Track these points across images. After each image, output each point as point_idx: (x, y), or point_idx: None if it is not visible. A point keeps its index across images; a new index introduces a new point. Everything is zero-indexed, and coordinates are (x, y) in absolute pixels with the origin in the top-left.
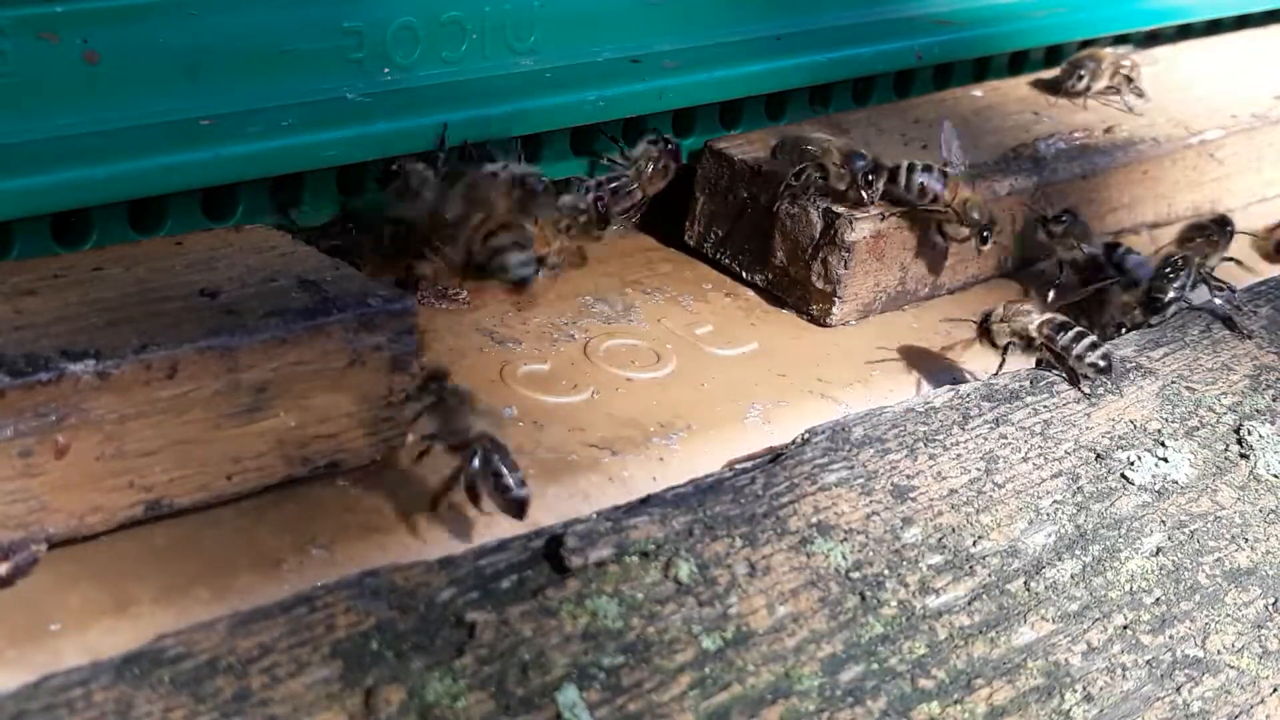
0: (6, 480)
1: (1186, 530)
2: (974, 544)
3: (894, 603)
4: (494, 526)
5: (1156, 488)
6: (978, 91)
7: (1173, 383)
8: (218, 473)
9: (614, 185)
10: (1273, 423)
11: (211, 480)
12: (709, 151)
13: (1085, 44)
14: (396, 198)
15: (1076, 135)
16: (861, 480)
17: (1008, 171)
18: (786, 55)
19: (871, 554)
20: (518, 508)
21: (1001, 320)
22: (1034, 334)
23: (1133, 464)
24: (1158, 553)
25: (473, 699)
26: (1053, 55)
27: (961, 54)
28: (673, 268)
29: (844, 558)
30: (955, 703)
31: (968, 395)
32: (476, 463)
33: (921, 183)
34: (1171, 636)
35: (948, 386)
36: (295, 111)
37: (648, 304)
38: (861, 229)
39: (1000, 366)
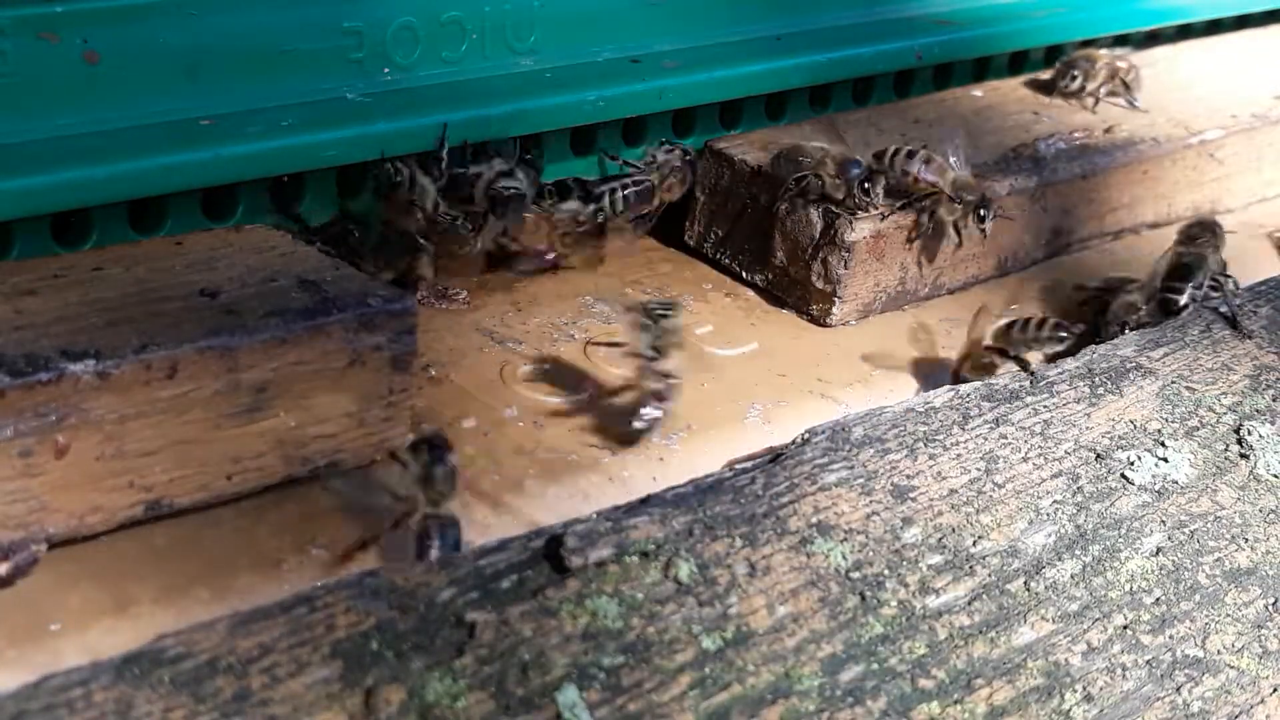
0: (6, 480)
1: (1186, 530)
2: (974, 544)
3: (894, 603)
4: (495, 527)
5: (1156, 488)
6: (978, 91)
7: (1173, 383)
8: (218, 473)
9: (637, 189)
10: (1273, 423)
11: (211, 480)
12: (709, 151)
13: (1085, 44)
14: (386, 202)
15: (1076, 135)
16: (861, 480)
17: (1008, 171)
18: (786, 55)
19: (871, 554)
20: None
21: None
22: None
23: (1133, 464)
24: (1158, 553)
25: (473, 699)
26: (1053, 55)
27: (961, 54)
28: (673, 268)
29: (844, 558)
30: (955, 703)
31: (968, 395)
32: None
33: (905, 167)
34: (1171, 636)
35: (948, 386)
36: (295, 111)
37: None
38: (861, 229)
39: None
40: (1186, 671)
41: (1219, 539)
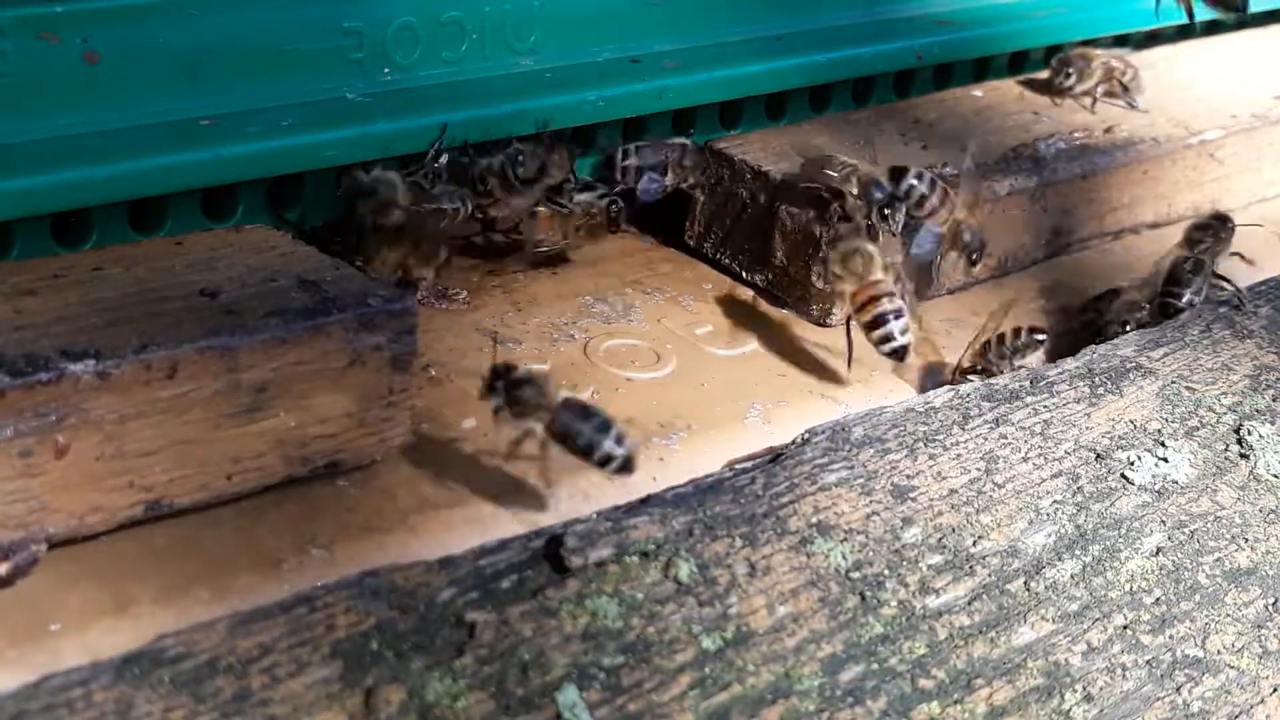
0: (6, 480)
1: (1186, 530)
2: (974, 544)
3: (894, 603)
4: (494, 527)
5: (1156, 488)
6: (978, 91)
7: (1173, 383)
8: (218, 473)
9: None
10: (1273, 423)
11: (211, 480)
12: (709, 151)
13: (1085, 44)
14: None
15: (1076, 135)
16: (861, 480)
17: (1008, 171)
18: (786, 55)
19: (871, 554)
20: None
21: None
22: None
23: (1133, 464)
24: (1158, 553)
25: (473, 699)
26: (1053, 56)
27: (961, 54)
28: (673, 268)
29: (844, 558)
30: (955, 703)
31: (968, 395)
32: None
33: (922, 193)
34: (1171, 636)
35: (948, 386)
36: (295, 111)
37: (648, 304)
38: None
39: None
40: (1186, 671)
41: (1219, 539)
